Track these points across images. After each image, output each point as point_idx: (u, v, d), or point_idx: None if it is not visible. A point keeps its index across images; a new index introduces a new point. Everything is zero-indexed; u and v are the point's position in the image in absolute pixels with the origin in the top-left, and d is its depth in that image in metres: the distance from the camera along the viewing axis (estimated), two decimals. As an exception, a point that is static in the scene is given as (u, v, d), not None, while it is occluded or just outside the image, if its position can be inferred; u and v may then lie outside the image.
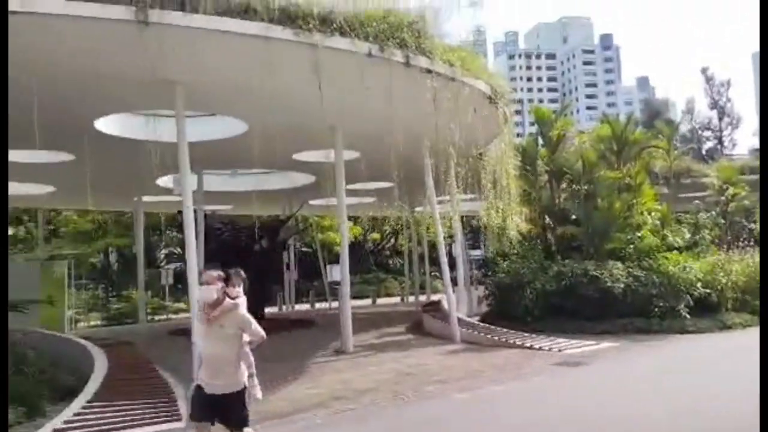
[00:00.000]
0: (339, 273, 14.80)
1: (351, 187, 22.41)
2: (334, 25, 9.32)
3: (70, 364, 11.38)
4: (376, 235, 46.95)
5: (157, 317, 27.01)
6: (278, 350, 15.59)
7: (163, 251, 37.65)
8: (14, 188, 20.60)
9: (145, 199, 21.64)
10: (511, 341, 13.51)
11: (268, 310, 25.60)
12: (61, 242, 41.68)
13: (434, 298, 26.97)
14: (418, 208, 27.86)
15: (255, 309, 20.79)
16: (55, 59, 9.03)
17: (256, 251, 21.06)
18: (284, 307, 27.44)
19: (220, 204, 24.35)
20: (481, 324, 15.94)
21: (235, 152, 14.30)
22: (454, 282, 22.94)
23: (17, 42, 8.30)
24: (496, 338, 13.88)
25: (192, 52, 8.98)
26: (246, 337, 5.55)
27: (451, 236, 18.80)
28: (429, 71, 10.56)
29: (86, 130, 12.48)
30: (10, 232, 44.03)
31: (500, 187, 16.07)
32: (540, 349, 12.75)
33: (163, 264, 36.31)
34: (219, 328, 5.40)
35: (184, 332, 18.22)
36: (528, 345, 13.09)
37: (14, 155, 15.06)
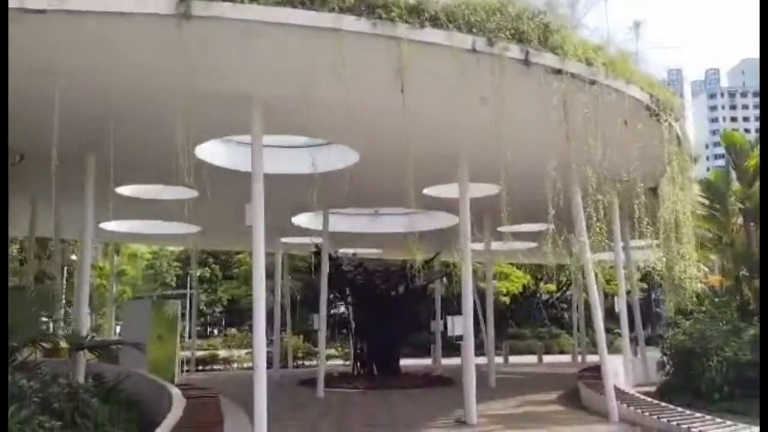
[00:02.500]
0: (462, 326, 12.54)
1: (507, 229, 20.14)
2: (426, 15, 7.44)
3: (149, 409, 10.49)
4: (551, 286, 43.41)
5: (307, 362, 26.40)
6: (394, 413, 13.63)
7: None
8: (173, 228, 21.01)
9: (284, 239, 20.88)
10: (684, 426, 10.25)
11: (418, 362, 23.75)
12: (236, 283, 43.55)
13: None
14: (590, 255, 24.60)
15: (388, 361, 19.10)
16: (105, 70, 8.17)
17: (392, 297, 19.37)
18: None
19: (365, 247, 23.19)
20: (648, 399, 12.70)
21: (355, 186, 12.74)
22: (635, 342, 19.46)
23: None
24: (665, 420, 10.66)
25: (247, 53, 7.56)
26: None
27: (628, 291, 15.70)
28: (558, 71, 8.24)
29: (191, 162, 11.65)
30: (198, 272, 47.24)
31: (675, 229, 12.88)
32: (720, 441, 9.51)
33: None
34: None
35: (313, 383, 16.95)
36: (704, 434, 9.86)
37: (140, 191, 14.99)
